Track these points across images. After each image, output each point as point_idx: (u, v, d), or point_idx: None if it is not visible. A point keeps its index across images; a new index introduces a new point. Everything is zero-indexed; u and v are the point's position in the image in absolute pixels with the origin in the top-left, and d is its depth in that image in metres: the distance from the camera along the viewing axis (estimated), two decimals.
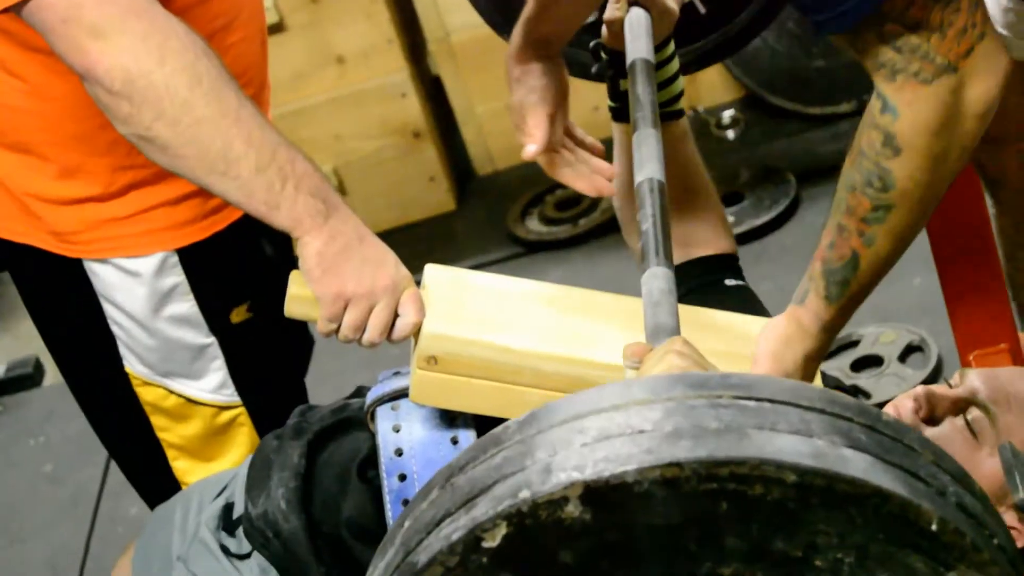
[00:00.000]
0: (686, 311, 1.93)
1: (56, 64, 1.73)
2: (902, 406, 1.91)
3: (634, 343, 1.49)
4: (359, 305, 1.73)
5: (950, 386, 1.92)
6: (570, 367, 1.76)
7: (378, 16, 3.75)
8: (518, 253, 3.68)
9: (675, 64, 2.02)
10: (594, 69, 1.98)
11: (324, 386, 2.39)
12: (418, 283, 1.81)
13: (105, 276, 1.98)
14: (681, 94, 2.04)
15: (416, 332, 1.76)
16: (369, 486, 1.82)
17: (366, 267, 1.73)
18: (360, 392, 1.98)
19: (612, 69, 1.97)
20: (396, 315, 1.75)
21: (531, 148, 1.95)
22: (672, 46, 2.00)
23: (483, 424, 1.81)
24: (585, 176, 1.98)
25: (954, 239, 2.38)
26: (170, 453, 2.13)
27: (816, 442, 1.12)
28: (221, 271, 2.03)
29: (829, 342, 1.70)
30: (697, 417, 1.13)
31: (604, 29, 1.95)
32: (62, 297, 2.04)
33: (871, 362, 2.89)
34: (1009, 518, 1.87)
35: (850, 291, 1.64)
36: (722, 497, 1.11)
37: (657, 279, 1.51)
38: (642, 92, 1.77)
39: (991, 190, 2.09)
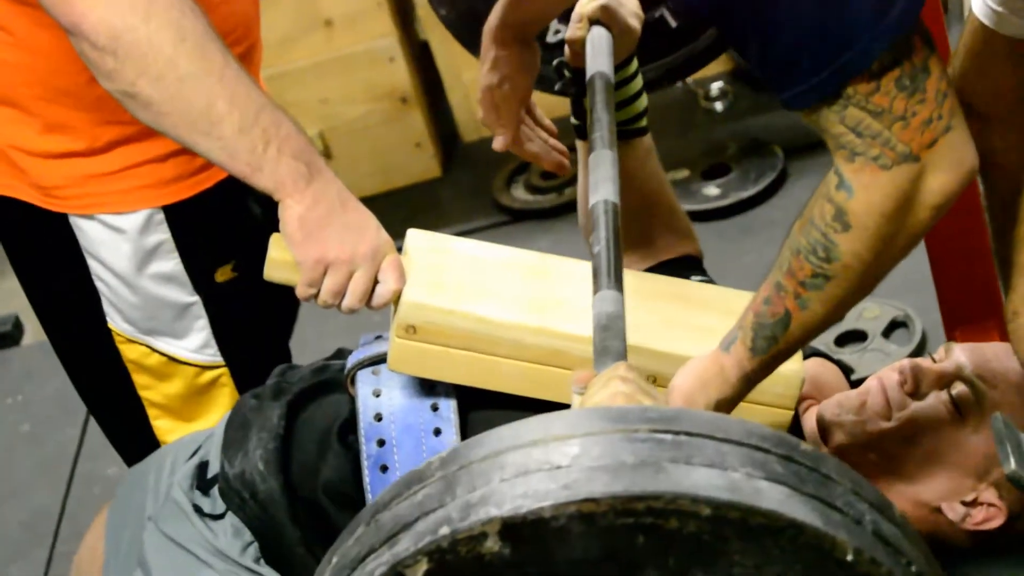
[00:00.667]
0: (677, 284, 1.94)
1: (43, 17, 1.72)
2: (887, 379, 1.92)
3: (580, 370, 1.51)
4: (339, 270, 1.72)
5: (935, 361, 1.92)
6: (549, 339, 1.76)
7: None
8: (503, 221, 3.67)
9: (638, 82, 2.02)
10: (557, 87, 2.00)
11: (307, 350, 2.38)
12: (400, 249, 1.80)
13: (90, 232, 1.97)
14: (645, 112, 2.04)
15: (396, 299, 1.75)
16: (348, 450, 1.81)
17: (347, 232, 1.72)
18: (341, 354, 1.97)
19: (575, 87, 1.98)
20: (376, 281, 1.75)
21: (502, 140, 1.97)
22: (635, 64, 2.01)
23: (463, 393, 1.80)
24: (547, 153, 2.01)
25: (943, 216, 2.38)
26: (151, 412, 2.13)
27: (732, 475, 1.13)
28: (207, 230, 2.01)
29: (745, 392, 1.70)
30: (614, 452, 1.14)
31: (567, 48, 1.96)
32: (47, 251, 2.03)
33: (855, 337, 2.89)
34: (989, 495, 1.87)
35: (776, 348, 1.65)
36: (639, 531, 1.12)
37: (606, 303, 1.51)
38: (600, 112, 1.77)
39: (980, 168, 2.09)
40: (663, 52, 2.93)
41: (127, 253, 1.97)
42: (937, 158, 1.53)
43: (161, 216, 1.97)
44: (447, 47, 3.89)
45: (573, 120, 2.01)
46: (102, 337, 2.06)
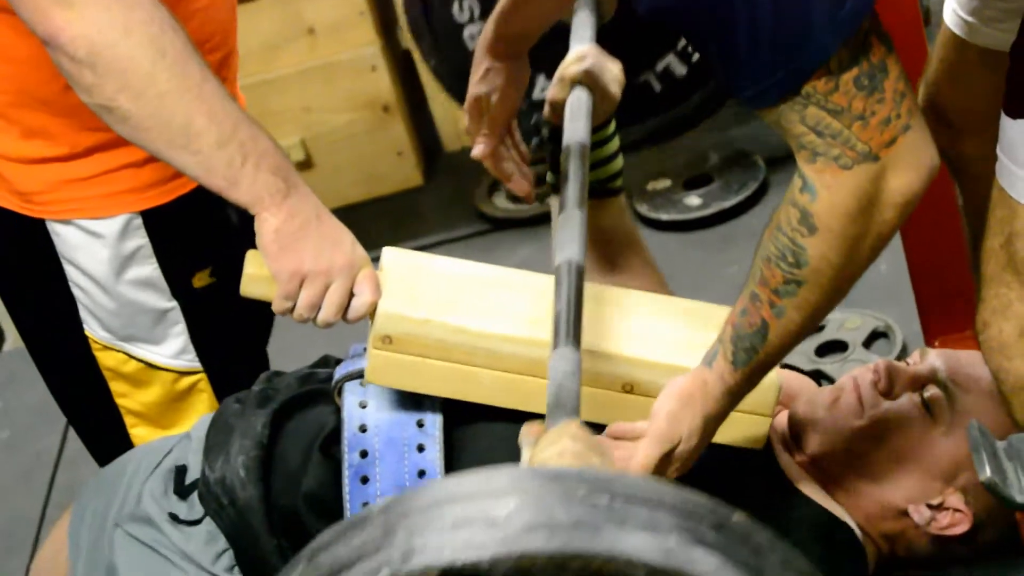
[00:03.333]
0: (655, 298, 1.95)
1: (20, 24, 1.72)
2: (862, 377, 1.93)
3: (532, 423, 1.52)
4: (315, 283, 1.73)
5: (909, 364, 1.93)
6: (525, 348, 1.77)
7: None
8: (485, 230, 3.67)
9: (615, 143, 2.04)
10: (533, 145, 2.03)
11: (285, 357, 2.37)
12: (376, 266, 1.81)
13: (68, 237, 1.97)
14: (620, 172, 2.06)
15: (372, 312, 1.76)
16: (331, 461, 1.82)
17: (323, 245, 1.73)
18: (326, 362, 1.98)
19: (552, 144, 2.00)
20: (352, 295, 1.75)
21: (481, 148, 2.02)
22: (613, 125, 2.03)
23: (450, 409, 1.80)
24: (519, 178, 2.06)
25: (922, 226, 2.39)
26: (128, 420, 2.12)
27: (666, 540, 1.14)
28: (185, 235, 2.01)
29: (731, 407, 1.71)
30: (551, 511, 1.15)
31: (547, 107, 1.98)
32: (24, 257, 2.03)
33: (835, 347, 2.89)
34: (955, 500, 1.88)
35: (757, 359, 1.66)
36: None
37: (564, 360, 1.51)
38: (573, 173, 1.78)
39: (955, 177, 2.09)
40: (647, 115, 2.98)
41: (105, 258, 1.97)
42: (897, 157, 1.53)
43: (139, 221, 1.97)
44: None
45: (549, 177, 2.03)
46: (79, 344, 2.06)
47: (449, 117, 3.98)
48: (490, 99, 1.97)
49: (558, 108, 1.94)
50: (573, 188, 1.75)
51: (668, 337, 1.83)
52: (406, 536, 1.15)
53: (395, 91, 3.84)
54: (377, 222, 3.67)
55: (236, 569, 1.82)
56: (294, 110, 3.79)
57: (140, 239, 1.97)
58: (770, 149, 3.54)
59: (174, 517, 1.83)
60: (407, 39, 3.91)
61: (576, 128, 1.85)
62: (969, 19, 1.91)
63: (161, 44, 1.67)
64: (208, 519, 1.83)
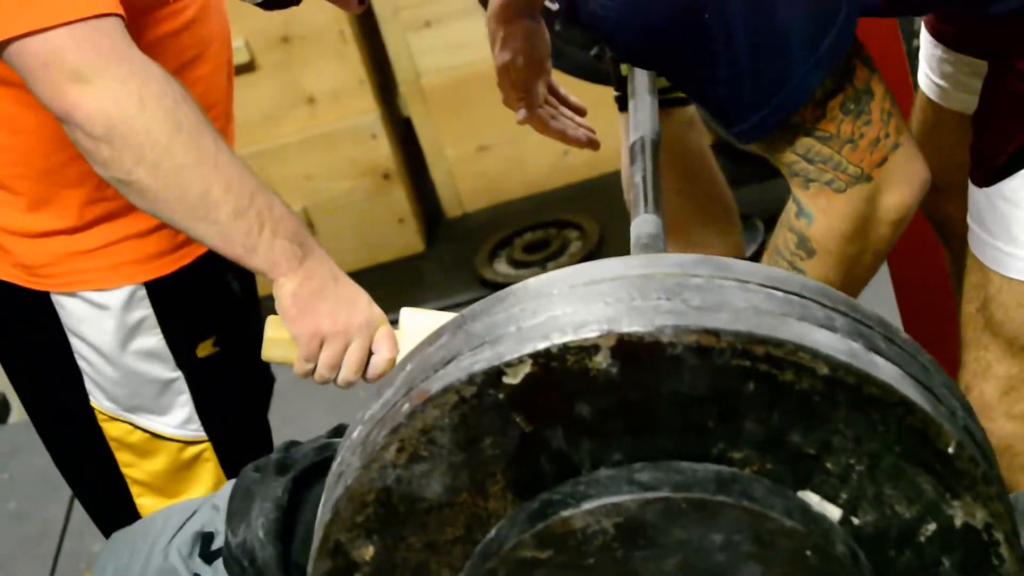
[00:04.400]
0: None
1: (26, 97, 1.73)
2: None
3: None
4: (335, 343, 1.74)
5: None
6: None
7: (349, 57, 3.76)
8: (486, 295, 3.66)
9: None
10: (594, 51, 1.98)
11: (288, 428, 2.38)
12: (394, 326, 1.82)
13: (73, 309, 1.97)
14: None
15: (391, 369, 1.76)
16: None
17: (340, 306, 1.74)
18: (340, 431, 1.98)
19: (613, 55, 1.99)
20: (371, 353, 1.76)
21: (523, 113, 1.98)
22: None
23: None
24: (573, 129, 2.02)
25: (913, 272, 2.39)
26: (134, 490, 2.12)
27: (850, 342, 1.10)
28: (188, 305, 2.02)
29: None
30: (725, 296, 1.11)
31: None
32: (29, 330, 2.03)
33: None
34: None
35: None
36: (752, 376, 1.09)
37: (646, 224, 1.53)
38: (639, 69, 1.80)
39: (942, 238, 2.10)
40: None
41: (110, 329, 1.97)
42: (889, 175, 1.55)
43: (143, 292, 1.97)
44: (429, 123, 3.92)
45: (615, 92, 2.01)
46: (85, 416, 2.06)
47: (449, 183, 3.99)
48: (516, 64, 1.95)
49: None
50: (641, 75, 1.75)
51: None
52: (570, 308, 1.11)
53: (395, 158, 3.86)
54: (379, 288, 3.62)
55: None
56: (295, 178, 3.81)
57: (145, 310, 1.98)
58: (769, 211, 3.54)
59: None
60: (406, 106, 3.94)
61: None
62: (941, 83, 1.93)
63: (177, 117, 1.68)
64: None
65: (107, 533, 2.19)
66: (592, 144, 2.04)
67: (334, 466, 1.31)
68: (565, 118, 2.03)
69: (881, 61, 1.61)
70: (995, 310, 1.70)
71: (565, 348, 1.09)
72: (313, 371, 1.76)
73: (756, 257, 3.44)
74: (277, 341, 1.77)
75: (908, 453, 1.12)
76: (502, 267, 3.73)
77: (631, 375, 1.09)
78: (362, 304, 1.76)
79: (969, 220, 1.72)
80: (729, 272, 1.15)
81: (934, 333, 2.48)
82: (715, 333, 1.08)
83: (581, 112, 2.03)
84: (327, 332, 1.74)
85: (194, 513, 1.93)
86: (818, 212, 1.56)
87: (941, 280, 2.29)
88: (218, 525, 1.89)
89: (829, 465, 1.13)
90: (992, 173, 1.67)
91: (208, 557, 1.86)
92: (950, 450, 1.12)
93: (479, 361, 1.12)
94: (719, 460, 1.13)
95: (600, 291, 1.13)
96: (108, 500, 2.15)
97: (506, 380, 1.10)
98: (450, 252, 3.91)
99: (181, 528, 1.91)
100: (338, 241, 3.81)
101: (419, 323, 1.86)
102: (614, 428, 1.12)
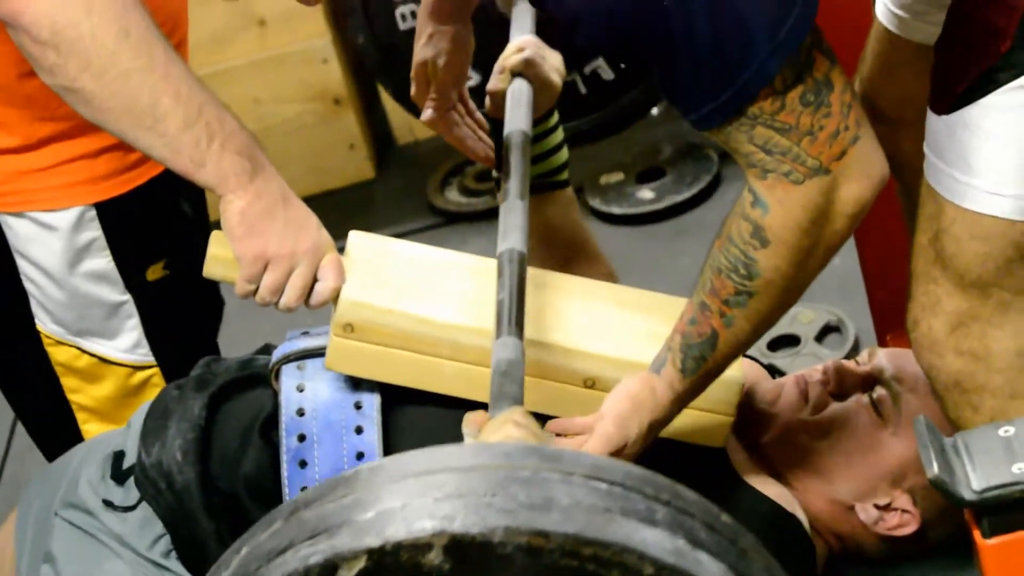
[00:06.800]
0: (615, 289, 1.95)
1: None
2: (811, 378, 1.93)
3: (474, 412, 1.54)
4: (279, 267, 1.72)
5: (858, 364, 1.93)
6: (488, 340, 1.75)
7: None
8: (437, 223, 3.66)
9: (558, 135, 2.04)
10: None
11: (238, 352, 2.36)
12: (341, 250, 1.79)
13: (20, 230, 1.95)
14: (566, 165, 2.05)
15: (335, 298, 1.74)
16: (269, 445, 1.81)
17: (288, 229, 1.72)
18: (267, 349, 1.97)
19: (492, 138, 2.00)
20: (316, 280, 1.73)
21: (429, 113, 1.98)
22: (555, 117, 2.03)
23: (387, 391, 1.79)
24: (473, 141, 2.03)
25: (875, 223, 2.39)
26: (80, 416, 2.10)
27: (675, 539, 1.14)
28: (139, 228, 1.99)
29: (677, 413, 1.73)
30: (552, 491, 1.15)
31: (487, 99, 1.98)
32: None
33: (788, 341, 2.90)
34: (903, 500, 1.88)
35: (706, 367, 1.68)
36: (579, 575, 1.13)
37: (507, 348, 1.53)
38: (514, 162, 1.80)
39: (895, 174, 2.10)
40: (574, 116, 2.96)
41: (58, 251, 1.95)
42: (847, 169, 1.56)
43: (93, 213, 1.94)
44: None
45: (494, 173, 2.02)
46: (30, 339, 2.04)
47: (401, 110, 3.96)
48: (436, 64, 1.95)
49: (498, 100, 1.94)
50: (515, 178, 1.76)
51: (632, 332, 1.83)
52: (401, 501, 1.14)
53: (347, 83, 3.83)
54: (328, 215, 3.57)
55: (173, 555, 1.80)
56: (244, 101, 3.76)
57: (94, 231, 1.95)
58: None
59: (108, 503, 1.82)
60: (358, 31, 3.91)
61: (517, 117, 1.86)
62: (900, 13, 1.92)
63: (125, 23, 1.65)
64: (143, 505, 1.81)
65: (51, 459, 2.18)
66: (486, 159, 2.05)
67: None
68: (468, 128, 2.04)
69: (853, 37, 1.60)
70: (947, 242, 1.70)
71: (399, 545, 1.13)
72: (254, 293, 1.74)
73: (709, 189, 3.44)
74: (220, 259, 1.74)
75: None
76: (453, 195, 3.72)
77: (463, 571, 1.13)
78: (311, 228, 1.74)
79: (926, 149, 1.72)
80: (555, 464, 1.17)
81: (890, 270, 2.50)
82: (544, 535, 1.12)
83: (483, 128, 2.04)
84: (272, 255, 1.71)
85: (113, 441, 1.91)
86: (775, 203, 1.56)
87: (897, 210, 2.29)
88: (128, 443, 1.87)
89: None
90: (952, 101, 1.66)
91: (120, 478, 1.84)
92: None
93: (316, 554, 1.15)
94: None
95: (432, 483, 1.16)
96: (53, 426, 2.13)
97: (340, 574, 1.14)
98: (401, 179, 3.89)
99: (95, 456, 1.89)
100: (287, 166, 3.73)
101: (367, 249, 1.84)
102: None
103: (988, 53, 1.62)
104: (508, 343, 1.53)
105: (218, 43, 3.72)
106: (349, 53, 3.93)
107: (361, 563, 1.12)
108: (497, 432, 1.42)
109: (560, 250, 2.06)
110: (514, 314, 1.57)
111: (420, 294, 1.79)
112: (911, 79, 1.86)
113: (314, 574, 1.14)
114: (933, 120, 1.70)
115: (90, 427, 2.10)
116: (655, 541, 1.13)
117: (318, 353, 1.81)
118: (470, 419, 1.54)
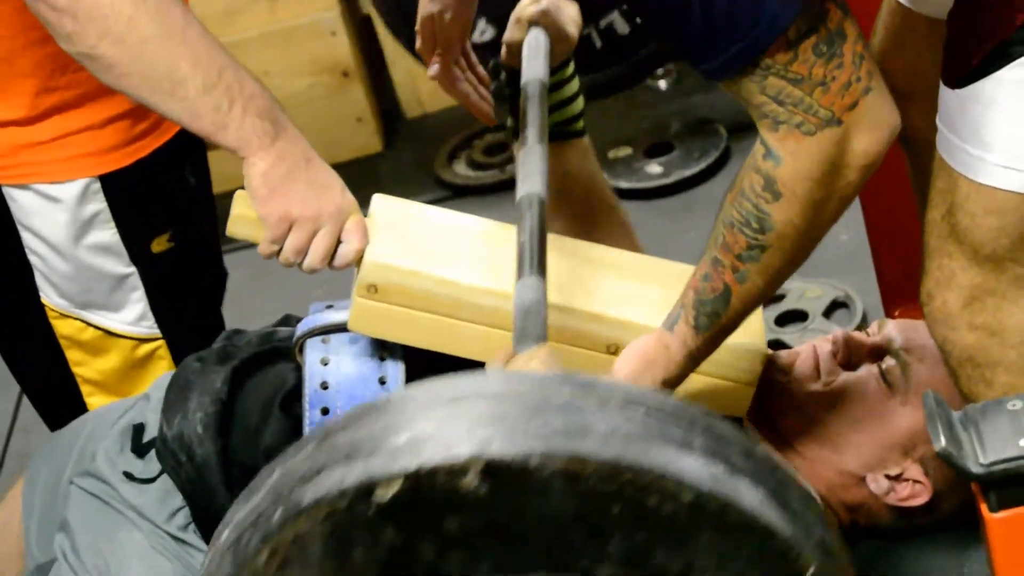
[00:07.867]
0: (632, 256, 1.94)
1: None
2: (821, 348, 1.93)
3: (500, 349, 1.53)
4: (303, 228, 1.72)
5: (868, 334, 1.93)
6: (510, 303, 1.75)
7: None
8: (444, 197, 3.65)
9: (574, 85, 2.03)
10: (492, 87, 2.00)
11: (242, 324, 2.36)
12: (364, 214, 1.79)
13: (25, 202, 1.94)
14: (581, 114, 2.05)
15: (359, 260, 1.74)
16: (291, 419, 1.81)
17: (312, 190, 1.72)
18: (288, 320, 1.97)
19: (510, 88, 1.99)
20: (340, 241, 1.74)
21: (436, 68, 1.98)
22: (572, 67, 2.02)
23: (413, 367, 1.80)
24: (476, 97, 2.02)
25: (883, 196, 2.39)
26: (85, 389, 2.10)
27: (712, 466, 1.14)
28: (143, 199, 1.99)
29: (690, 370, 1.73)
30: (587, 417, 1.14)
31: (504, 49, 1.97)
32: None
33: (796, 317, 2.89)
34: (914, 471, 1.88)
35: (719, 323, 1.68)
36: (617, 500, 1.13)
37: (529, 289, 1.54)
38: (532, 110, 1.80)
39: (905, 148, 2.09)
40: (590, 69, 2.94)
41: (63, 223, 1.94)
42: (859, 120, 1.55)
43: (98, 185, 1.94)
44: None
45: (510, 122, 2.01)
46: (35, 312, 2.03)
47: (409, 83, 3.96)
48: (443, 17, 1.95)
49: (515, 50, 1.93)
50: (533, 124, 1.76)
51: (654, 300, 1.83)
52: (435, 426, 1.14)
53: (355, 56, 3.82)
54: None
55: (191, 528, 1.81)
56: (253, 74, 3.76)
57: (99, 204, 1.95)
58: (732, 117, 3.53)
59: (128, 475, 1.82)
60: (366, 4, 3.90)
61: (534, 67, 1.86)
62: None
63: None
64: (163, 478, 1.82)
65: (55, 431, 2.18)
66: (486, 116, 2.05)
67: (203, 567, 1.34)
68: (470, 84, 2.03)
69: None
70: (961, 217, 1.70)
71: (436, 468, 1.12)
72: (278, 253, 1.73)
73: (717, 164, 3.43)
74: (244, 219, 1.75)
75: (769, 574, 1.16)
76: (461, 169, 3.71)
77: (500, 496, 1.13)
78: (335, 190, 1.75)
79: (939, 122, 1.71)
80: (590, 391, 1.17)
81: (899, 246, 2.49)
82: (581, 460, 1.11)
83: (484, 83, 2.03)
84: (296, 216, 1.71)
85: (126, 412, 1.91)
86: (787, 154, 1.56)
87: (906, 184, 2.29)
88: (148, 416, 1.87)
89: None
90: (966, 74, 1.65)
91: (140, 450, 1.84)
92: (809, 573, 1.16)
93: (351, 475, 1.14)
94: (585, 575, 1.16)
95: (463, 409, 1.16)
96: (58, 399, 2.13)
97: (376, 497, 1.13)
98: (409, 152, 3.88)
99: (112, 429, 1.89)
100: None
101: (391, 212, 1.84)
102: (483, 543, 1.16)
103: (1002, 25, 1.61)
104: (530, 283, 1.54)
105: (228, 16, 3.72)
106: (357, 25, 3.92)
107: (397, 486, 1.12)
108: (524, 368, 1.42)
109: (579, 202, 2.05)
110: (536, 255, 1.58)
111: (443, 257, 1.79)
112: (923, 52, 1.86)
113: (349, 496, 1.13)
114: (946, 94, 1.69)
115: (95, 400, 2.10)
116: (693, 467, 1.12)
117: (343, 328, 1.81)
118: (497, 355, 1.53)
